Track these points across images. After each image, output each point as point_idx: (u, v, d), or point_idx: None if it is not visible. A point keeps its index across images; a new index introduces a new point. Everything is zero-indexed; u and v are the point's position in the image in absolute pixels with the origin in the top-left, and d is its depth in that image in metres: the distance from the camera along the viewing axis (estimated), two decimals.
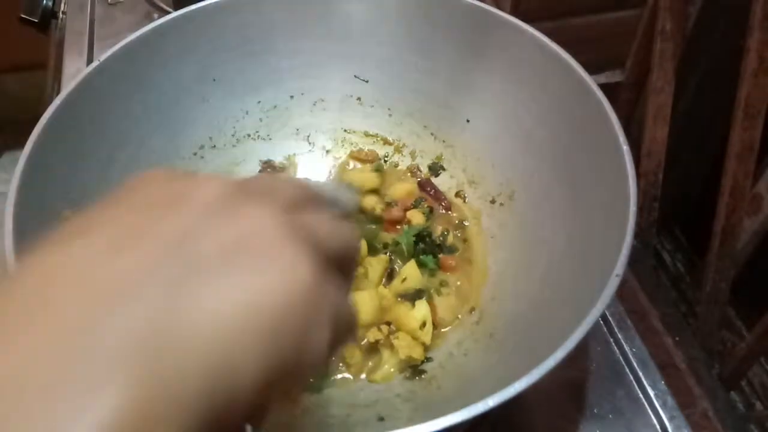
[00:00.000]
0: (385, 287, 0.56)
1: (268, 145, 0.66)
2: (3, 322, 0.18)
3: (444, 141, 0.65)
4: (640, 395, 0.54)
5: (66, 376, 0.16)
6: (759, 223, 0.73)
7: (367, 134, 0.68)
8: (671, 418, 0.52)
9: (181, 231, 0.21)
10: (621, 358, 0.56)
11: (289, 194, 0.25)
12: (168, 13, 0.59)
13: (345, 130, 0.68)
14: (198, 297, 0.19)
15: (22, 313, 0.18)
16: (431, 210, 0.62)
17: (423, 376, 0.51)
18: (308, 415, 0.48)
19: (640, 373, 0.55)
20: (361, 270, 0.57)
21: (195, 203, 0.23)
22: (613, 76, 0.88)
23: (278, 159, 0.67)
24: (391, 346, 0.52)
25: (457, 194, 0.64)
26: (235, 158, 0.65)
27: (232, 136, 0.65)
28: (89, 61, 0.80)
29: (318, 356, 0.22)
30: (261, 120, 0.66)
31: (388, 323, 0.54)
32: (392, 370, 0.52)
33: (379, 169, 0.65)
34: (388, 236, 0.60)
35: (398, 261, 0.59)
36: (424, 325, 0.52)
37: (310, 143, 0.68)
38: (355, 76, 0.65)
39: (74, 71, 0.78)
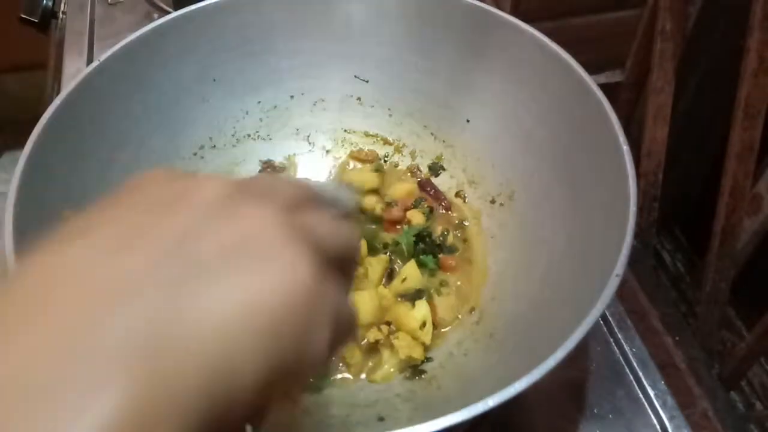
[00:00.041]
0: (385, 287, 0.56)
1: (268, 145, 0.66)
2: (3, 323, 0.18)
3: (444, 141, 0.65)
4: (640, 395, 0.54)
5: (66, 376, 0.16)
6: (759, 223, 0.73)
7: (367, 134, 0.68)
8: (671, 418, 0.52)
9: (181, 231, 0.21)
10: (621, 358, 0.56)
11: (289, 194, 0.25)
12: (168, 13, 0.59)
13: (345, 130, 0.68)
14: (198, 297, 0.19)
15: (22, 314, 0.18)
16: (431, 210, 0.62)
17: (423, 376, 0.51)
18: (308, 415, 0.48)
19: (640, 373, 0.55)
20: (361, 270, 0.57)
21: (195, 204, 0.23)
22: (613, 76, 0.88)
23: (278, 159, 0.67)
24: (391, 346, 0.52)
25: (457, 194, 0.64)
26: (235, 158, 0.65)
27: (232, 136, 0.65)
28: (89, 61, 0.80)
29: (318, 356, 0.22)
30: (261, 120, 0.66)
31: (388, 323, 0.54)
32: (392, 370, 0.52)
33: (378, 169, 0.65)
34: (388, 236, 0.60)
35: (398, 261, 0.59)
36: (424, 325, 0.52)
37: (310, 143, 0.68)
38: (355, 76, 0.65)
39: (74, 71, 0.78)
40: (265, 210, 0.23)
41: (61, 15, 0.89)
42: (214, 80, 0.62)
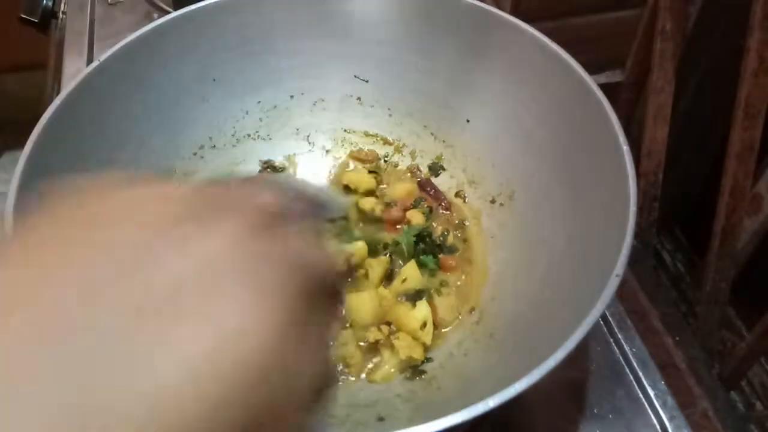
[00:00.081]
0: (386, 288, 0.56)
1: (268, 145, 0.66)
2: None
3: (444, 141, 0.65)
4: (640, 395, 0.54)
5: None
6: (759, 223, 0.73)
7: (367, 134, 0.68)
8: (671, 418, 0.52)
9: (116, 269, 0.18)
10: (621, 358, 0.56)
11: (262, 206, 0.22)
12: (168, 13, 0.59)
13: (345, 130, 0.68)
14: (135, 359, 0.16)
15: None
16: (431, 210, 0.62)
17: (423, 376, 0.51)
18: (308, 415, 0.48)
19: (640, 373, 0.55)
20: (361, 271, 0.57)
21: (142, 226, 0.19)
22: (613, 76, 0.88)
23: (278, 159, 0.67)
24: (392, 347, 0.52)
25: (457, 194, 0.64)
26: (235, 158, 0.65)
27: (232, 136, 0.65)
28: (89, 61, 0.80)
29: (296, 411, 0.19)
30: (261, 120, 0.66)
31: (389, 323, 0.54)
32: (392, 370, 0.52)
33: (376, 170, 0.65)
34: (388, 236, 0.60)
35: (398, 261, 0.58)
36: (424, 325, 0.52)
37: (310, 143, 0.68)
38: (355, 76, 0.65)
39: (74, 71, 0.78)
40: (227, 231, 0.19)
41: (61, 15, 0.89)
42: (214, 80, 0.62)
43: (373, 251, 0.58)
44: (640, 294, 0.66)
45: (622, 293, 0.63)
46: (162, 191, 0.21)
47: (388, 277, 0.57)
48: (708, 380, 0.65)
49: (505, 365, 0.47)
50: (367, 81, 0.66)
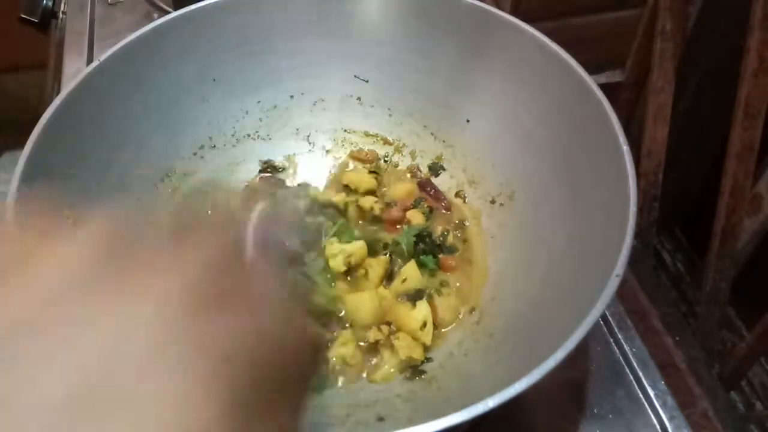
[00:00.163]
0: (386, 288, 0.56)
1: (268, 145, 0.66)
2: None
3: (444, 141, 0.65)
4: (640, 395, 0.54)
5: None
6: (759, 223, 0.73)
7: (367, 134, 0.68)
8: (671, 418, 0.52)
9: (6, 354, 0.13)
10: (621, 358, 0.56)
11: (210, 260, 0.17)
12: (168, 13, 0.59)
13: (345, 130, 0.68)
14: None
15: None
16: (431, 210, 0.62)
17: (423, 376, 0.51)
18: (308, 415, 0.48)
19: (640, 373, 0.55)
20: (361, 271, 0.57)
21: (36, 289, 0.14)
22: (613, 76, 0.88)
23: (278, 159, 0.67)
24: (392, 347, 0.52)
25: (457, 194, 0.64)
26: (235, 158, 0.65)
27: (232, 136, 0.65)
28: (89, 61, 0.80)
29: None
30: (261, 120, 0.66)
31: (389, 323, 0.54)
32: (392, 370, 0.52)
33: (376, 170, 0.65)
34: (388, 236, 0.60)
35: (398, 261, 0.58)
36: (424, 325, 0.52)
37: (310, 143, 0.68)
38: (355, 76, 0.65)
39: (74, 71, 0.78)
40: (151, 299, 0.15)
41: (61, 15, 0.89)
42: (214, 80, 0.62)
43: (373, 251, 0.58)
44: (640, 294, 0.66)
45: (622, 293, 0.63)
46: (73, 240, 0.16)
47: (388, 277, 0.57)
48: (708, 380, 0.65)
49: (505, 365, 0.47)
50: (367, 81, 0.66)
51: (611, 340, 0.58)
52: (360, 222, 0.62)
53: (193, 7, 0.58)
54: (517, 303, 0.52)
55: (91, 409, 0.13)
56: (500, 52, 0.58)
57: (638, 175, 0.58)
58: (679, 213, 0.99)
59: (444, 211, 0.63)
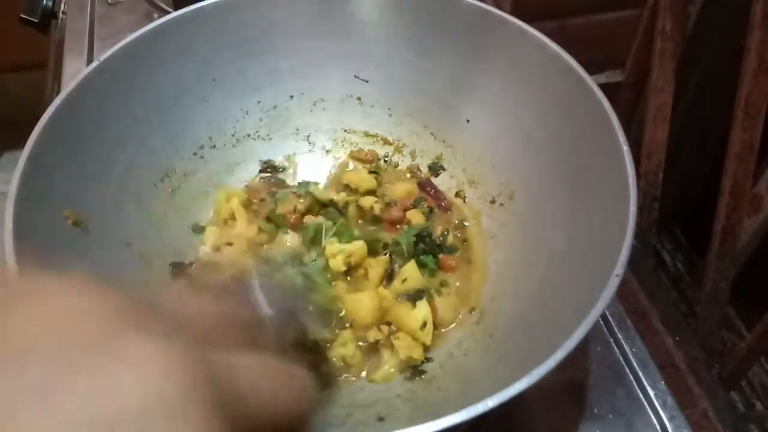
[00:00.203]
0: (386, 288, 0.56)
1: (268, 145, 0.66)
2: None
3: (444, 141, 0.65)
4: (640, 395, 0.54)
5: None
6: (759, 223, 0.73)
7: (367, 134, 0.68)
8: (671, 418, 0.52)
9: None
10: (621, 358, 0.56)
11: (206, 320, 0.18)
12: (168, 13, 0.59)
13: (345, 130, 0.68)
14: None
15: None
16: (431, 210, 0.62)
17: (423, 376, 0.51)
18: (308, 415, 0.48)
19: (640, 373, 0.55)
20: (361, 271, 0.57)
21: (35, 346, 0.15)
22: (613, 76, 0.88)
23: (278, 159, 0.67)
24: (392, 347, 0.52)
25: (457, 194, 0.64)
26: (235, 158, 0.65)
27: (232, 136, 0.65)
28: (89, 61, 0.80)
29: None
30: (261, 120, 0.66)
31: (389, 323, 0.54)
32: (392, 370, 0.52)
33: (376, 170, 0.65)
34: (388, 236, 0.60)
35: (398, 261, 0.58)
36: (424, 325, 0.52)
37: (310, 143, 0.68)
38: (355, 76, 0.65)
39: (74, 71, 0.78)
40: (156, 349, 0.15)
41: (61, 15, 0.89)
42: (214, 80, 0.62)
43: (373, 251, 0.58)
44: (640, 294, 0.66)
45: (622, 293, 0.63)
46: (66, 295, 0.16)
47: (388, 277, 0.57)
48: (708, 380, 0.65)
49: (505, 365, 0.47)
50: (367, 81, 0.66)
51: (611, 340, 0.58)
52: (360, 222, 0.62)
53: (193, 7, 0.58)
54: (517, 303, 0.52)
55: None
56: (500, 52, 0.58)
57: (638, 175, 0.58)
58: (679, 213, 0.99)
59: (444, 211, 0.63)
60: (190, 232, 0.60)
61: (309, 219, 0.60)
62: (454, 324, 0.55)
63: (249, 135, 0.66)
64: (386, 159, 0.67)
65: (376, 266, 0.56)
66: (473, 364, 0.51)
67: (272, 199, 0.62)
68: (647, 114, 0.77)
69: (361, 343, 0.53)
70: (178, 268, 0.56)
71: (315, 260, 0.56)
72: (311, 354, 0.51)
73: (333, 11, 0.62)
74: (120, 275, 0.51)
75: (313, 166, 0.67)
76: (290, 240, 0.58)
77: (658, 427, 0.52)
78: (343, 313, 0.54)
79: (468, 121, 0.63)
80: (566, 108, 0.53)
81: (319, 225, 0.58)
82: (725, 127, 0.68)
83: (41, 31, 0.90)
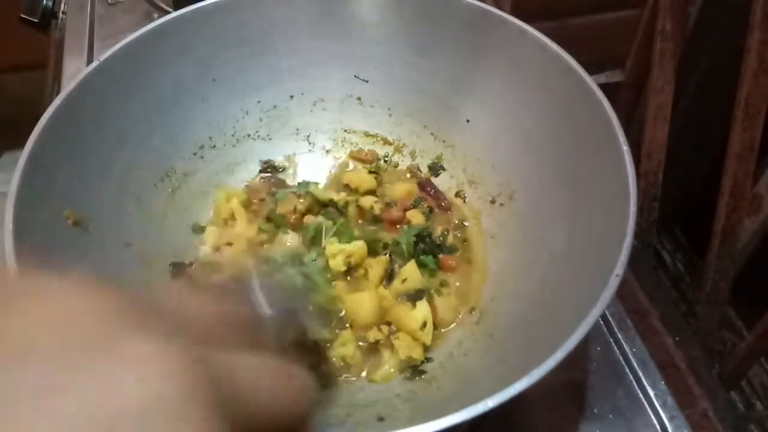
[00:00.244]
0: (386, 288, 0.56)
1: (268, 145, 0.66)
2: None
3: (444, 141, 0.65)
4: (640, 395, 0.54)
5: None
6: (759, 223, 0.73)
7: (367, 134, 0.68)
8: (671, 418, 0.52)
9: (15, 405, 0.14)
10: (621, 358, 0.56)
11: (207, 320, 0.19)
12: (168, 13, 0.59)
13: (345, 130, 0.68)
14: None
15: None
16: (431, 210, 0.62)
17: (423, 376, 0.51)
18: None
19: (640, 373, 0.55)
20: (361, 271, 0.57)
21: (38, 345, 0.15)
22: (613, 76, 0.88)
23: (278, 159, 0.67)
24: (392, 347, 0.52)
25: (457, 194, 0.64)
26: (235, 158, 0.65)
27: (232, 136, 0.65)
28: (89, 61, 0.80)
29: None
30: (261, 120, 0.66)
31: (389, 323, 0.54)
32: (392, 370, 0.52)
33: (376, 170, 0.65)
34: (388, 236, 0.60)
35: (398, 261, 0.58)
36: (424, 325, 0.52)
37: (310, 143, 0.68)
38: (355, 76, 0.65)
39: (74, 71, 0.78)
40: (150, 369, 0.15)
41: (61, 15, 0.89)
42: (214, 80, 0.62)
43: (373, 251, 0.58)
44: (640, 294, 0.66)
45: (622, 293, 0.63)
46: (66, 296, 0.16)
47: (388, 277, 0.57)
48: (708, 380, 0.65)
49: (505, 365, 0.47)
50: (367, 81, 0.66)
51: (611, 340, 0.58)
52: (360, 222, 0.62)
53: (193, 7, 0.58)
54: (517, 303, 0.52)
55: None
56: (500, 52, 0.58)
57: (638, 175, 0.58)
58: (679, 213, 0.99)
59: (444, 211, 0.63)
60: (190, 232, 0.60)
61: (309, 219, 0.60)
62: (454, 324, 0.55)
63: (249, 135, 0.66)
64: (386, 159, 0.67)
65: (376, 266, 0.56)
66: (473, 364, 0.51)
67: (272, 199, 0.62)
68: (647, 114, 0.77)
69: (361, 343, 0.53)
70: (178, 268, 0.56)
71: (315, 260, 0.56)
72: (311, 354, 0.51)
73: (333, 11, 0.62)
74: (120, 275, 0.51)
75: (313, 166, 0.67)
76: (290, 240, 0.58)
77: (658, 427, 0.52)
78: (343, 313, 0.54)
79: (468, 121, 0.63)
80: (566, 108, 0.53)
81: (319, 225, 0.58)
82: (725, 127, 0.68)
83: (41, 31, 0.91)
